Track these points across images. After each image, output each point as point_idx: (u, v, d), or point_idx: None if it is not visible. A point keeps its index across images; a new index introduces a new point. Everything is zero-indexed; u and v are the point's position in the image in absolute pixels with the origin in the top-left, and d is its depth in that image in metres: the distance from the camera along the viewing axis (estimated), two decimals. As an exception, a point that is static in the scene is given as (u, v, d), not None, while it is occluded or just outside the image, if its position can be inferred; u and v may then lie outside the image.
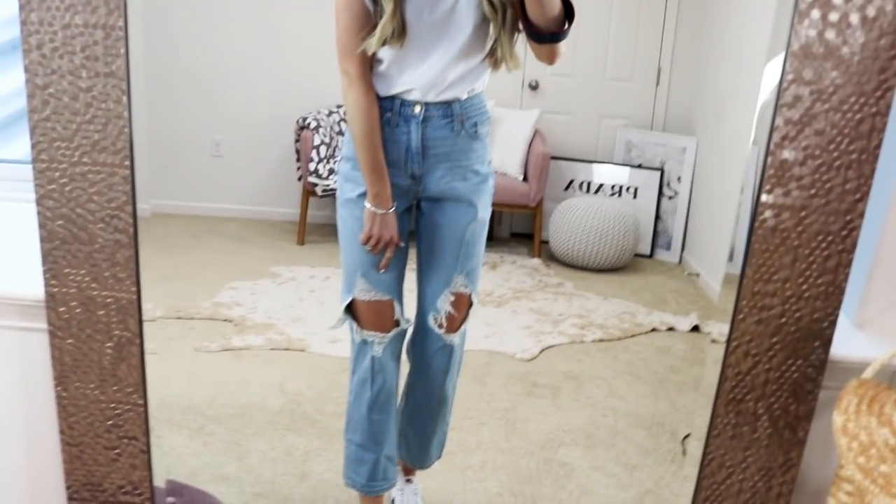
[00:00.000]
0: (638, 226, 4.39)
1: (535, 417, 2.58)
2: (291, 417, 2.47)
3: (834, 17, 1.11)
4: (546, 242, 4.53)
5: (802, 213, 1.19)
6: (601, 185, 4.72)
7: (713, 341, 1.45)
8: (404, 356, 1.90)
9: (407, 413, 1.96)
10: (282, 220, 4.78)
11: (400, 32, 1.56)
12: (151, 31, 4.42)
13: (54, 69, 1.13)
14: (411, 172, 1.71)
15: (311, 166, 4.18)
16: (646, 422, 2.60)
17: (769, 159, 1.16)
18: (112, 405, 1.39)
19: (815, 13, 1.11)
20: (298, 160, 4.35)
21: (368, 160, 1.64)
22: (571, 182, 4.74)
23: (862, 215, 1.20)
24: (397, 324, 1.82)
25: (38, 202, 1.19)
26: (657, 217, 4.67)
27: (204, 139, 4.76)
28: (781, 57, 1.13)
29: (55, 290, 1.27)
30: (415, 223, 1.82)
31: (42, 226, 1.21)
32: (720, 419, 1.33)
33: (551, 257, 4.48)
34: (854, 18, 1.10)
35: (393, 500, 2.04)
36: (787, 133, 1.15)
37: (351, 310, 1.79)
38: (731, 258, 1.30)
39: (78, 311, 1.29)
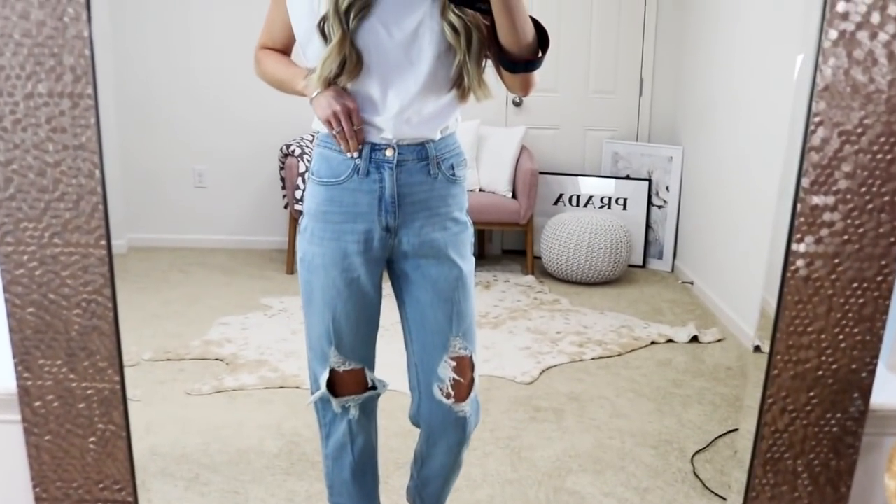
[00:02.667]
0: (629, 237, 4.37)
1: (540, 444, 2.52)
2: (290, 460, 2.39)
3: (860, 54, 1.04)
4: (539, 258, 4.50)
5: (836, 261, 1.12)
6: (590, 198, 4.69)
7: (756, 349, 1.34)
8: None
9: (423, 477, 1.84)
10: (269, 249, 4.76)
11: (355, 64, 1.44)
12: (127, 61, 4.36)
13: (17, 143, 1.02)
14: (385, 224, 1.56)
15: (298, 194, 4.14)
16: (653, 440, 2.56)
17: (798, 206, 1.08)
18: (98, 504, 1.29)
19: (840, 51, 1.04)
20: (284, 188, 4.30)
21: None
22: (560, 196, 4.71)
23: (897, 259, 1.13)
24: (373, 387, 1.71)
25: (6, 289, 1.08)
26: (648, 227, 4.66)
27: (186, 170, 4.70)
28: (805, 98, 1.05)
29: (28, 383, 1.16)
30: (394, 286, 1.68)
31: (11, 314, 1.10)
32: (758, 480, 1.25)
33: (545, 273, 4.46)
34: (881, 55, 1.03)
35: None
36: (815, 178, 1.08)
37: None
38: (763, 304, 1.22)
39: (55, 404, 1.19)
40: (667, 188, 4.58)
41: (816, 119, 1.05)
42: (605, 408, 2.79)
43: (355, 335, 1.64)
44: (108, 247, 1.05)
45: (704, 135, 4.21)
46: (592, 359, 3.26)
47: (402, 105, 1.48)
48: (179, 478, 2.27)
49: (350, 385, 1.68)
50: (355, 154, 1.52)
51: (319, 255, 1.58)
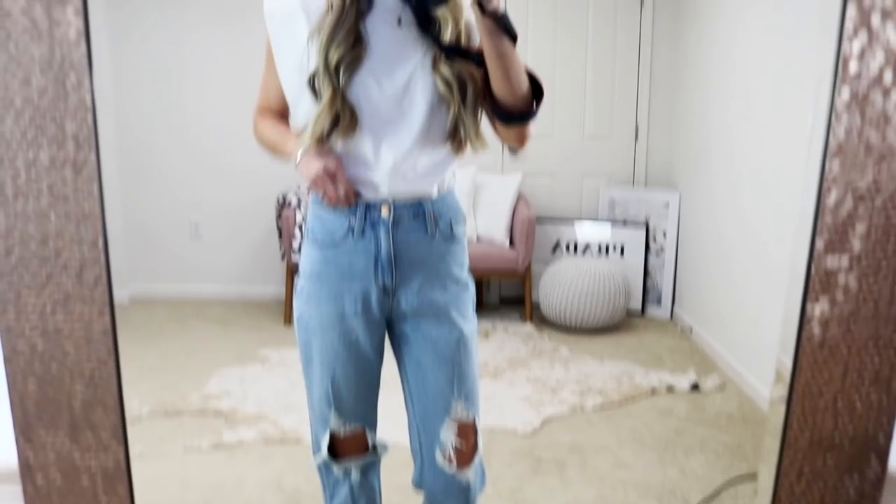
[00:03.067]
0: (628, 284, 4.36)
1: (543, 497, 2.49)
2: (292, 517, 2.34)
3: (873, 114, 1.04)
4: (537, 306, 4.48)
5: (851, 323, 1.11)
6: (588, 245, 4.69)
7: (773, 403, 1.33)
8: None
9: None
10: (267, 300, 4.74)
11: (349, 120, 1.42)
12: (124, 112, 4.39)
13: (18, 212, 1.01)
14: (383, 284, 1.53)
15: (294, 244, 4.14)
16: (656, 491, 2.53)
17: (812, 268, 1.08)
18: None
19: (854, 111, 1.04)
20: (280, 238, 4.30)
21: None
22: (558, 243, 4.71)
23: (913, 320, 1.12)
24: (374, 450, 1.69)
25: (7, 361, 1.06)
26: (646, 273, 4.65)
27: (182, 221, 4.70)
28: (818, 157, 1.05)
29: (30, 457, 1.13)
30: (393, 347, 1.65)
31: (12, 387, 1.08)
32: (775, 550, 1.22)
33: (543, 321, 4.44)
34: (894, 115, 1.03)
35: None
36: (829, 239, 1.07)
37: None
38: (779, 365, 1.20)
39: (58, 479, 1.15)
40: (664, 234, 4.59)
41: (829, 178, 1.04)
42: (607, 458, 2.76)
43: (355, 397, 1.61)
44: (112, 318, 1.03)
45: (700, 180, 4.23)
46: (593, 408, 3.24)
47: (396, 160, 1.46)
48: (179, 540, 2.24)
49: (351, 448, 1.66)
50: (349, 211, 1.50)
51: (316, 316, 1.56)
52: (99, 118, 1.03)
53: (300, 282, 1.60)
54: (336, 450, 1.66)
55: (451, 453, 1.61)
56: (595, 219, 4.81)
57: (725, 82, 3.87)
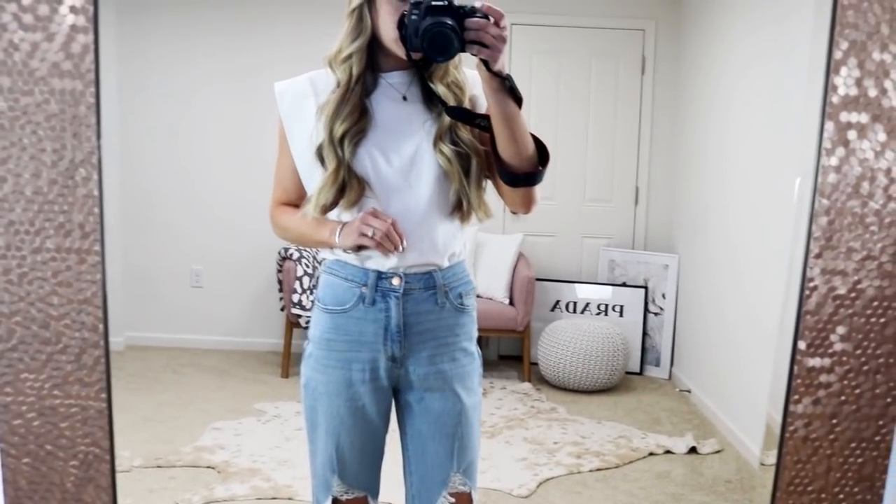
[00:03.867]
0: (626, 344, 4.37)
1: (540, 563, 2.48)
2: (284, 580, 2.35)
3: (849, 216, 1.07)
4: (536, 364, 4.49)
5: (833, 421, 1.13)
6: (587, 304, 4.71)
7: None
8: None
9: None
10: (265, 352, 4.73)
11: (356, 190, 1.46)
12: (126, 160, 4.45)
13: (22, 296, 1.04)
14: (391, 354, 1.55)
15: (295, 297, 4.15)
16: (654, 562, 2.51)
17: (795, 368, 1.10)
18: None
19: (832, 213, 1.07)
20: (281, 290, 4.32)
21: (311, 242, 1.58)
22: (557, 302, 4.74)
23: (894, 419, 1.14)
24: None
25: (2, 439, 1.08)
26: (644, 334, 4.67)
27: (183, 270, 4.74)
28: (800, 259, 1.08)
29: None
30: (397, 415, 1.66)
31: (5, 465, 1.10)
32: None
33: (542, 380, 4.44)
34: (871, 218, 1.06)
35: None
36: (812, 341, 1.09)
37: None
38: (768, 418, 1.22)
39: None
40: (663, 296, 4.61)
41: (811, 283, 1.07)
42: (603, 525, 2.76)
43: (359, 463, 1.62)
44: (109, 400, 1.05)
45: (699, 243, 4.26)
46: (590, 470, 3.22)
47: (407, 231, 1.49)
48: None
49: None
50: (360, 280, 1.53)
51: (323, 382, 1.57)
52: (104, 168, 1.07)
53: (309, 347, 1.62)
54: None
55: None
56: (595, 279, 4.85)
57: (723, 149, 3.93)
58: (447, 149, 1.47)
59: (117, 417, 1.16)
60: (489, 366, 4.67)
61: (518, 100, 1.37)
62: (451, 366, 1.58)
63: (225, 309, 4.76)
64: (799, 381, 1.09)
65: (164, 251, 4.68)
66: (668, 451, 3.42)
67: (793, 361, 1.09)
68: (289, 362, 4.31)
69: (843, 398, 1.11)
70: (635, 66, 4.78)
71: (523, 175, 1.43)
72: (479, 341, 1.67)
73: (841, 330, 1.09)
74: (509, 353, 4.86)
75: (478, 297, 4.46)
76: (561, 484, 3.09)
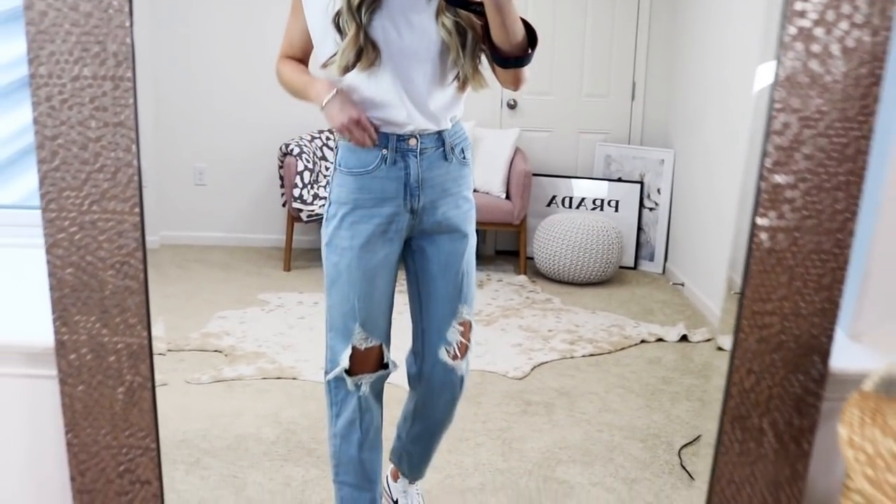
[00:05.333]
0: (621, 239, 4.44)
1: (530, 436, 2.60)
2: (287, 447, 2.46)
3: (816, 48, 1.16)
4: (531, 258, 4.58)
5: (796, 234, 1.24)
6: (583, 200, 4.77)
7: (719, 349, 1.49)
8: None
9: (412, 435, 1.99)
10: (268, 247, 4.77)
11: (371, 53, 1.60)
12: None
13: (63, 120, 1.14)
14: (411, 207, 1.73)
15: (296, 192, 4.19)
16: (641, 434, 2.62)
17: (762, 184, 1.20)
18: (124, 450, 1.40)
19: (799, 45, 1.16)
20: (282, 186, 4.36)
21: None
22: (553, 198, 4.79)
23: (852, 233, 1.25)
24: (385, 366, 1.85)
25: (48, 251, 1.20)
26: (639, 229, 4.73)
27: (186, 168, 4.75)
28: (769, 85, 1.17)
29: (65, 337, 1.28)
30: (406, 261, 1.84)
31: (52, 274, 1.22)
32: (727, 436, 1.36)
33: (537, 273, 4.51)
34: (835, 49, 1.15)
35: (396, 502, 2.09)
36: (777, 158, 1.19)
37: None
38: (729, 283, 1.34)
39: (88, 357, 1.30)
40: (658, 191, 4.67)
41: (778, 106, 1.16)
42: (594, 403, 2.85)
43: (378, 312, 1.79)
44: (141, 214, 1.16)
45: (696, 138, 4.29)
46: (583, 356, 3.31)
47: (418, 97, 1.66)
48: (180, 462, 2.34)
49: (367, 363, 1.81)
50: (381, 143, 1.69)
51: (348, 237, 1.73)
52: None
53: (332, 209, 1.77)
54: (351, 367, 1.80)
55: (456, 350, 1.83)
56: (591, 175, 4.89)
57: (722, 43, 3.91)
58: (448, 21, 1.61)
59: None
60: (486, 260, 4.75)
61: None
62: (456, 212, 1.78)
63: (228, 206, 4.79)
64: (765, 195, 1.20)
65: (167, 150, 4.68)
66: (659, 339, 3.51)
67: (759, 178, 1.19)
68: (291, 256, 4.38)
69: (805, 213, 1.22)
70: (634, -42, 4.74)
71: (513, 58, 1.56)
72: (477, 235, 1.84)
73: (805, 149, 1.19)
74: (506, 248, 4.92)
75: (475, 191, 4.51)
76: (554, 368, 3.19)
